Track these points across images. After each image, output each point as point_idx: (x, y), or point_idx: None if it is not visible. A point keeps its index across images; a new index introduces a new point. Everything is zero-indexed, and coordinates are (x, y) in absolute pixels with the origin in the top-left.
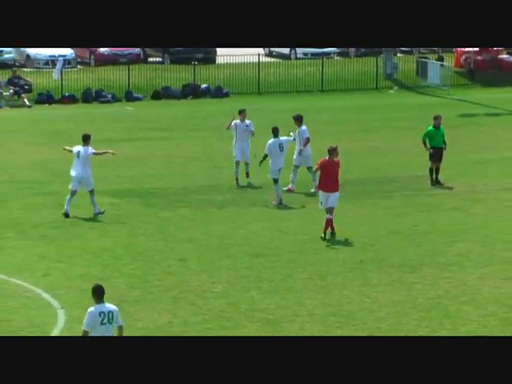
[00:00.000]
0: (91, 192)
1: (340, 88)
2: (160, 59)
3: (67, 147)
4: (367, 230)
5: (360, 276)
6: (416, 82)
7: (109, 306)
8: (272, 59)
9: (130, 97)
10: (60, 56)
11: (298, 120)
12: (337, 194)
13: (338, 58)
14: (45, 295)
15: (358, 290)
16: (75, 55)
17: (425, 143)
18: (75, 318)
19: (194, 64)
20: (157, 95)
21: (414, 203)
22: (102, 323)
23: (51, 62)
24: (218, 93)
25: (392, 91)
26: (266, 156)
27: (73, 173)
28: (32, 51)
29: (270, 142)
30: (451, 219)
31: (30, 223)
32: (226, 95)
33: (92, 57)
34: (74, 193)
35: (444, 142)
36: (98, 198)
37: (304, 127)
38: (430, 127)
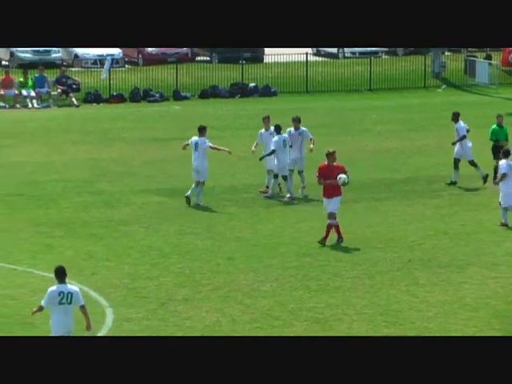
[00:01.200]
0: (202, 183)
1: (388, 87)
2: (208, 58)
3: (185, 142)
4: (415, 230)
5: (408, 275)
6: (464, 81)
7: (70, 287)
8: (320, 58)
9: (177, 96)
10: (108, 55)
11: (297, 121)
12: (337, 198)
13: (386, 56)
14: (93, 293)
15: (405, 290)
16: (123, 55)
17: (497, 141)
18: (123, 317)
19: (242, 63)
20: (205, 94)
21: (461, 202)
22: (60, 303)
23: (99, 61)
24: (266, 92)
25: (440, 90)
26: (272, 152)
27: (193, 164)
28: (80, 51)
29: (276, 138)
30: (499, 218)
31: (79, 222)
32: (274, 94)
33: (140, 56)
34: (197, 183)
35: (506, 139)
36: (147, 196)
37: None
38: (494, 126)
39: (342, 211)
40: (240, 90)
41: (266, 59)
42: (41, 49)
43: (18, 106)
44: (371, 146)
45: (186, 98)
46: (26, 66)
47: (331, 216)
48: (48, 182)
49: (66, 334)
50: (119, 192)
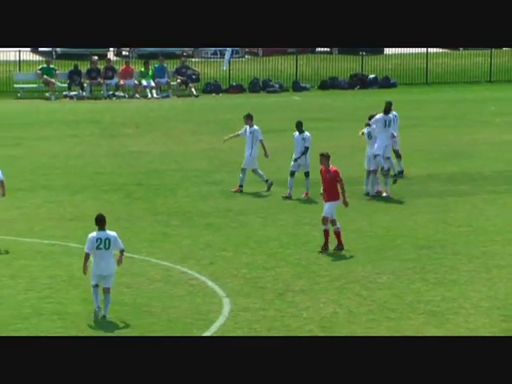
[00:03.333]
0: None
1: (508, 79)
2: (328, 49)
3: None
4: None
5: None
6: None
7: (109, 233)
8: (440, 49)
9: (297, 87)
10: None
11: (250, 119)
12: (330, 203)
13: (507, 48)
14: (210, 283)
15: None
16: None
17: None
18: (240, 307)
19: (362, 54)
20: (324, 85)
21: None
22: (97, 248)
23: (219, 51)
24: (385, 83)
25: None
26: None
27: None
28: None
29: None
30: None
31: (196, 211)
32: (394, 86)
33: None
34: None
35: None
36: (265, 187)
37: (256, 127)
38: None
39: (460, 204)
40: (359, 82)
41: (386, 50)
42: None
43: (137, 95)
44: (491, 138)
45: (305, 88)
46: (145, 57)
47: (333, 222)
48: (166, 171)
49: (99, 275)
50: (237, 182)
